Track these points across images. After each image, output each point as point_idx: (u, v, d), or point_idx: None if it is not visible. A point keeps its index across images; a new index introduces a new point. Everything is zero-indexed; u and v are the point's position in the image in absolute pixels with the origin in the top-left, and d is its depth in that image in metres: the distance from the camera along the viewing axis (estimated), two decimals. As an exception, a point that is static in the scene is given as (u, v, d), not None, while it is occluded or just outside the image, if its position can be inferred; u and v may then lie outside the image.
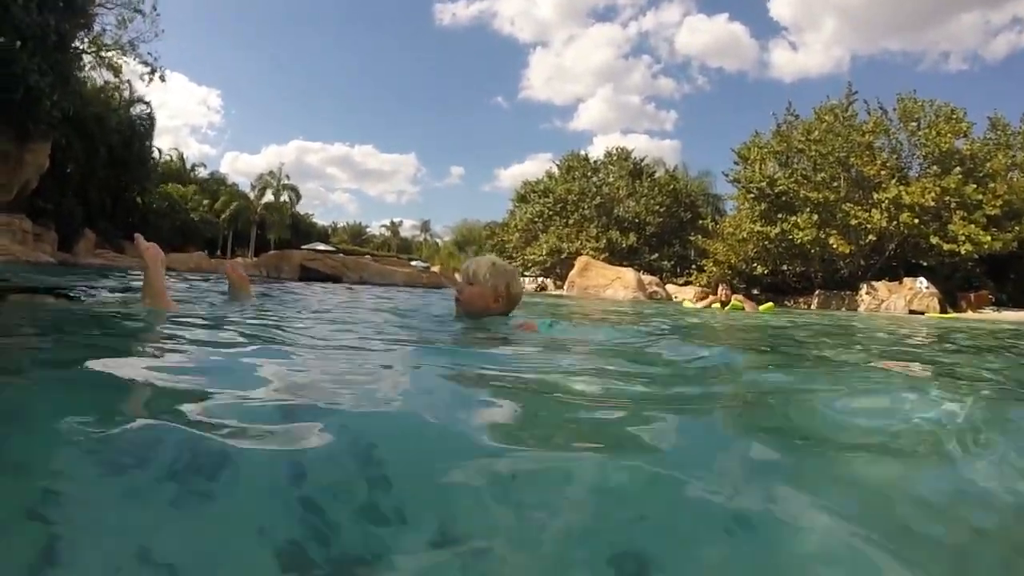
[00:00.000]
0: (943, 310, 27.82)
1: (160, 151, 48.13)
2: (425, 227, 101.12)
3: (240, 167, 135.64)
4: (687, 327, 8.00)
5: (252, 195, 68.93)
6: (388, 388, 2.09)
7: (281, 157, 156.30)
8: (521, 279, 4.85)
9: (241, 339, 3.10)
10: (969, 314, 26.93)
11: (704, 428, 1.76)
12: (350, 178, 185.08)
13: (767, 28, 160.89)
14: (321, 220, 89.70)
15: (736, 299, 16.69)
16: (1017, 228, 31.43)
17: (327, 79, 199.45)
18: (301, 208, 76.08)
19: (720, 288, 17.30)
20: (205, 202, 59.21)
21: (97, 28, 31.19)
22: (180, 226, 47.78)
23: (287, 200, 71.22)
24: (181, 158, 62.94)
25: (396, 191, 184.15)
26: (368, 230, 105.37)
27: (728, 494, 1.25)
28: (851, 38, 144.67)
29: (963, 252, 30.23)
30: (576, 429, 1.73)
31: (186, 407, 1.49)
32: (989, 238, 29.97)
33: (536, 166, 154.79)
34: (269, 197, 69.70)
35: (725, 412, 1.97)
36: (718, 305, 15.97)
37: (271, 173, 70.76)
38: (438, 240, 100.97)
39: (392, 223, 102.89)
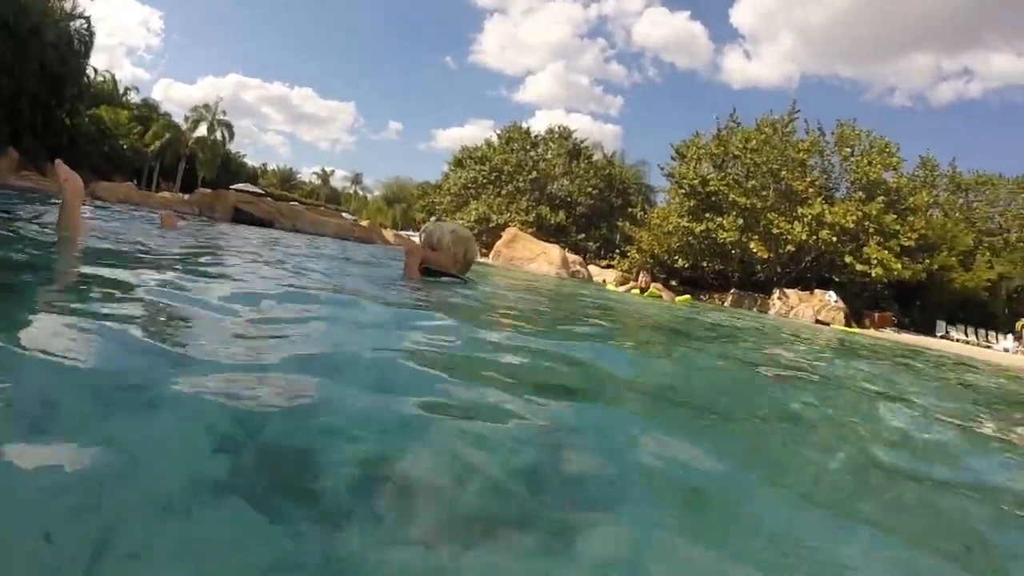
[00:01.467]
0: (847, 324, 28.90)
1: (95, 70, 45.95)
2: (356, 179, 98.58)
3: (173, 95, 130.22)
4: (608, 304, 9.39)
5: (185, 128, 65.93)
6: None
7: (217, 90, 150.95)
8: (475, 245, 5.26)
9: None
10: (871, 331, 28.16)
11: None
12: (285, 120, 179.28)
13: (725, 33, 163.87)
14: (251, 160, 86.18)
15: (655, 287, 17.78)
16: (928, 261, 33.14)
17: (276, 15, 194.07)
18: (232, 146, 73.25)
19: (641, 276, 18.19)
20: (136, 130, 56.53)
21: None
22: (108, 153, 45.38)
23: (220, 137, 68.42)
24: (114, 80, 59.80)
25: (331, 139, 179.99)
26: (298, 176, 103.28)
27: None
28: (805, 57, 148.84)
29: (874, 275, 31.58)
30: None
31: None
32: (900, 266, 31.33)
33: (475, 131, 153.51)
34: (202, 131, 66.25)
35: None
36: (638, 291, 16.78)
37: (207, 106, 67.41)
38: (368, 194, 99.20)
39: (323, 171, 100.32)
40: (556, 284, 15.29)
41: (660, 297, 16.96)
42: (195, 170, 63.83)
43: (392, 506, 1.25)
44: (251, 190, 48.35)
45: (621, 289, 19.04)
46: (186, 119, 66.06)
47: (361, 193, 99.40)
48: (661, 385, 2.94)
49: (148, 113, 62.80)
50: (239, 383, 1.73)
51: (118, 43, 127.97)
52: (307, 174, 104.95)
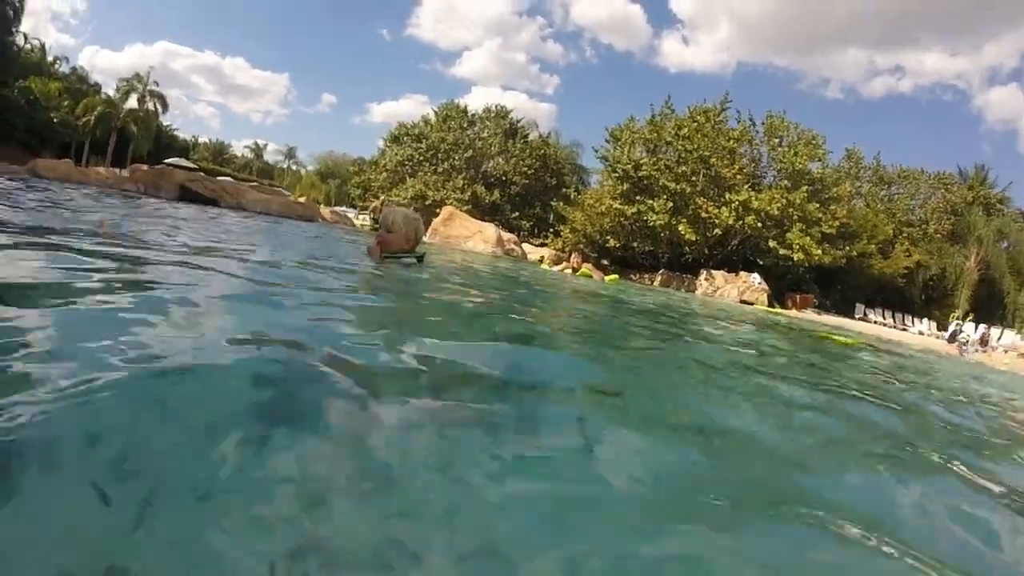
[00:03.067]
0: (770, 305, 29.95)
1: (25, 37, 44.11)
2: (290, 153, 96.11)
3: (100, 63, 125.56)
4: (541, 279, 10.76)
5: (115, 99, 63.25)
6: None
7: (146, 59, 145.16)
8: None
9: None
10: (793, 312, 29.10)
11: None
12: (216, 91, 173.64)
13: (664, 17, 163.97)
14: (182, 133, 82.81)
15: (586, 267, 18.74)
16: (849, 248, 34.35)
17: None
18: (164, 119, 70.60)
19: (573, 256, 19.13)
20: (67, 103, 54.35)
21: None
22: (37, 126, 43.63)
23: (153, 109, 65.96)
24: (43, 49, 57.55)
25: (263, 111, 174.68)
26: (231, 149, 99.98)
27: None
28: (741, 46, 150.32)
29: (796, 259, 32.64)
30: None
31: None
32: (820, 252, 32.50)
33: (410, 106, 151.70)
34: (133, 103, 63.90)
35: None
36: (571, 270, 17.92)
37: (138, 76, 64.10)
38: (301, 168, 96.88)
39: (256, 145, 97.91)
40: (494, 263, 15.90)
41: (590, 276, 17.63)
42: (126, 144, 61.64)
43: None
44: (184, 165, 47.20)
45: (556, 269, 19.65)
46: (117, 89, 63.21)
47: (295, 168, 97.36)
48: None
49: (78, 84, 60.52)
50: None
51: (43, 7, 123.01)
52: (239, 147, 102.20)
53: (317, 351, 2.42)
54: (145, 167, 26.07)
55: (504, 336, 3.51)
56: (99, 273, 3.19)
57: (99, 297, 2.74)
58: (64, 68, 61.24)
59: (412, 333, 2.97)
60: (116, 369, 1.76)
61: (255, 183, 48.08)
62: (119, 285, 2.98)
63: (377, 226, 25.66)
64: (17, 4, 32.90)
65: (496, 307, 5.40)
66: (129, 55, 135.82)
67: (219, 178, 29.85)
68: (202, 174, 30.63)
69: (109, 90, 64.29)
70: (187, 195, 20.85)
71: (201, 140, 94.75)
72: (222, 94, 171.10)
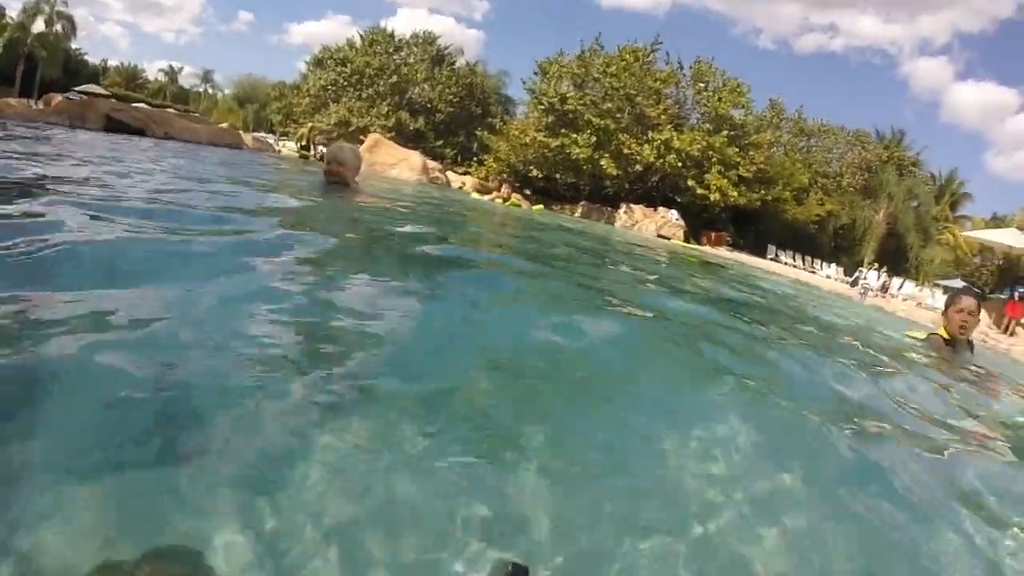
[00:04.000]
0: (686, 240, 30.54)
1: None
2: (206, 77, 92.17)
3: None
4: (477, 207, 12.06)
5: (20, 21, 59.12)
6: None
7: None
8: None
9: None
10: (707, 248, 29.70)
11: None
12: (126, 8, 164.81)
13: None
14: (90, 57, 77.90)
15: (516, 197, 20.36)
16: (764, 192, 35.28)
17: None
18: (72, 42, 66.61)
19: (503, 187, 19.84)
20: None
21: None
22: None
23: (62, 31, 62.41)
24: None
25: (176, 30, 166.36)
26: (143, 74, 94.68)
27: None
28: None
29: (712, 199, 33.48)
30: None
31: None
32: (736, 193, 33.54)
33: (332, 26, 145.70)
34: (40, 26, 60.33)
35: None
36: (501, 200, 18.93)
37: None
38: (219, 92, 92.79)
39: (171, 68, 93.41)
40: (425, 192, 16.22)
41: (519, 206, 18.31)
42: (33, 71, 58.24)
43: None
44: (96, 91, 44.93)
45: (487, 198, 20.44)
46: (24, 11, 59.63)
47: (211, 92, 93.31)
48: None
49: None
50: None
51: None
52: (152, 71, 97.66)
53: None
54: (59, 96, 24.96)
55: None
56: None
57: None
58: None
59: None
60: None
61: (169, 109, 46.38)
62: None
63: (306, 153, 24.87)
64: None
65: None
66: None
67: (140, 105, 28.90)
68: (139, 105, 29.59)
69: (13, 13, 60.20)
70: (113, 125, 20.06)
71: (111, 64, 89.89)
72: (131, 11, 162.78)
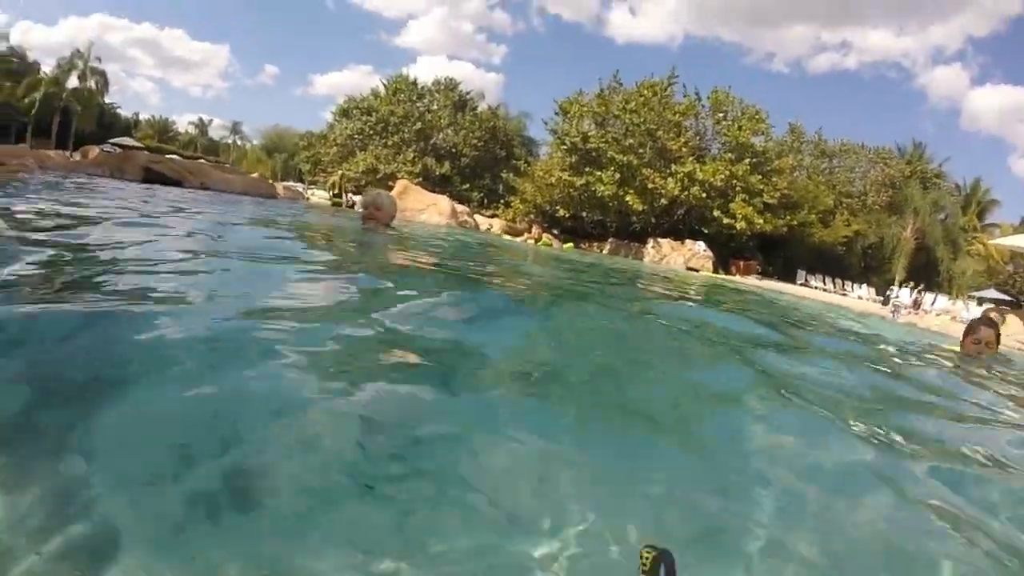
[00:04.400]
0: (715, 271, 30.95)
1: None
2: (235, 128, 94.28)
3: (34, 40, 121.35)
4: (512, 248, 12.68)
5: (56, 76, 61.14)
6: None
7: (82, 33, 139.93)
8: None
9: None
10: (737, 278, 30.02)
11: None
12: (155, 64, 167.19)
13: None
14: (123, 111, 79.81)
15: (546, 237, 20.87)
16: (789, 217, 35.57)
17: None
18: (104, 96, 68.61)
19: (534, 228, 20.17)
20: (7, 84, 52.45)
21: None
22: None
23: (95, 87, 64.26)
24: (-24, 28, 55.85)
25: (203, 84, 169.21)
26: (174, 126, 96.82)
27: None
28: (688, 18, 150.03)
29: (738, 228, 33.72)
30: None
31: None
32: (762, 221, 33.76)
33: (354, 77, 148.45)
34: (74, 81, 62.16)
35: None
36: (532, 241, 18.88)
37: (78, 53, 62.42)
38: (247, 143, 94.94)
39: (201, 120, 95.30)
40: (457, 234, 16.51)
41: (550, 245, 18.76)
42: (68, 124, 59.90)
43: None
44: (130, 143, 46.38)
45: (519, 239, 20.67)
46: (59, 67, 61.61)
47: (240, 143, 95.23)
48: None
49: (17, 64, 58.60)
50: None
51: None
52: (183, 123, 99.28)
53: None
54: (96, 149, 25.87)
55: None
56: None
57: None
58: (2, 47, 58.54)
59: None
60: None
61: (200, 159, 47.47)
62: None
63: (338, 200, 25.65)
64: None
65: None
66: (64, 29, 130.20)
67: (174, 157, 29.78)
68: (174, 157, 30.46)
69: (47, 68, 61.88)
70: (151, 177, 20.74)
71: (143, 117, 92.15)
72: (161, 68, 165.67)
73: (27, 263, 2.50)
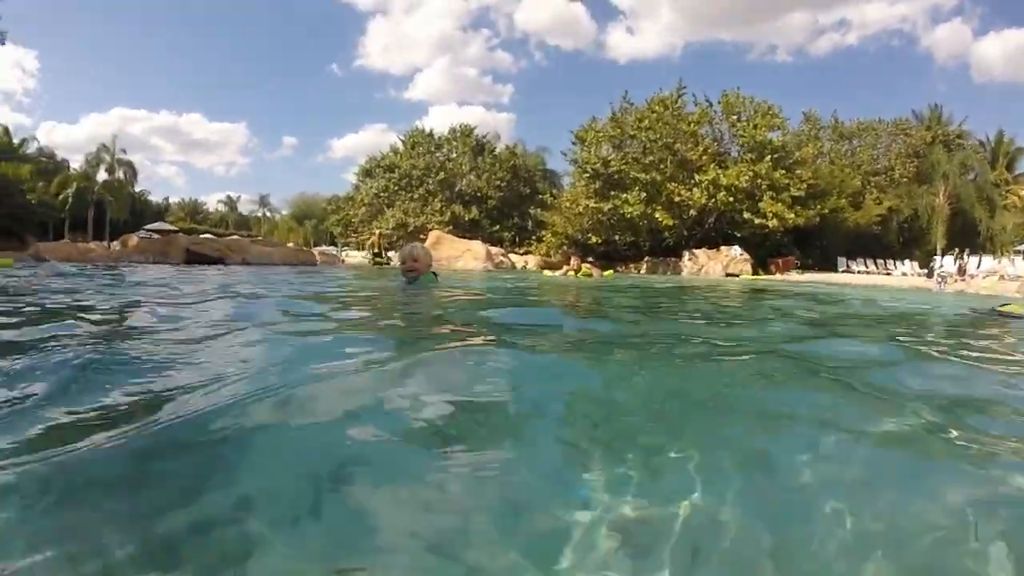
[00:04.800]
0: (755, 273, 31.22)
1: None
2: (263, 201, 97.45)
3: (58, 139, 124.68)
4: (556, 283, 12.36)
5: (88, 171, 63.43)
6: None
7: (102, 127, 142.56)
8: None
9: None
10: (777, 276, 30.22)
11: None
12: (177, 150, 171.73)
13: (606, 11, 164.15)
14: (153, 196, 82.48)
15: (585, 267, 20.16)
16: (819, 206, 35.80)
17: (152, 42, 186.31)
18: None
19: (572, 259, 20.35)
20: (40, 183, 54.37)
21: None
22: (17, 210, 43.26)
23: (124, 177, 66.57)
24: (7, 132, 58.06)
25: (226, 163, 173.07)
26: (204, 207, 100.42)
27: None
28: (684, 27, 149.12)
29: (771, 226, 34.08)
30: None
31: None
32: (793, 215, 34.10)
33: (371, 136, 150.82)
34: (103, 174, 64.62)
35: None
36: (572, 273, 19.05)
37: (104, 147, 65.12)
38: (276, 214, 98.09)
39: (229, 198, 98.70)
40: (496, 277, 16.74)
41: (591, 275, 18.89)
42: (102, 215, 61.95)
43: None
44: (165, 228, 47.82)
45: (558, 274, 20.75)
46: (87, 162, 63.89)
47: (269, 215, 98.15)
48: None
49: (47, 163, 60.70)
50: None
51: None
52: (211, 203, 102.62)
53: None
54: (134, 237, 26.71)
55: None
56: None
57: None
58: (31, 149, 60.97)
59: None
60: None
61: (240, 236, 48.55)
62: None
63: (380, 260, 26.00)
64: None
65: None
66: (86, 126, 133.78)
67: (208, 236, 30.65)
68: (209, 236, 31.40)
69: (75, 164, 64.13)
70: (193, 258, 21.46)
71: (173, 200, 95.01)
72: (183, 152, 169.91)
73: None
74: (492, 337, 3.50)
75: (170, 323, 3.69)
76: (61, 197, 55.36)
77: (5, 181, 43.46)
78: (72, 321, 3.60)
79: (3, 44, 30.99)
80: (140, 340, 3.02)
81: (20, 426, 1.60)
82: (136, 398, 1.91)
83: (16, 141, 57.88)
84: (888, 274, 33.66)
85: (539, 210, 41.90)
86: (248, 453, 1.51)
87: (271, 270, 15.94)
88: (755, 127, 36.85)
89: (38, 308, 4.60)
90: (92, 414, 1.74)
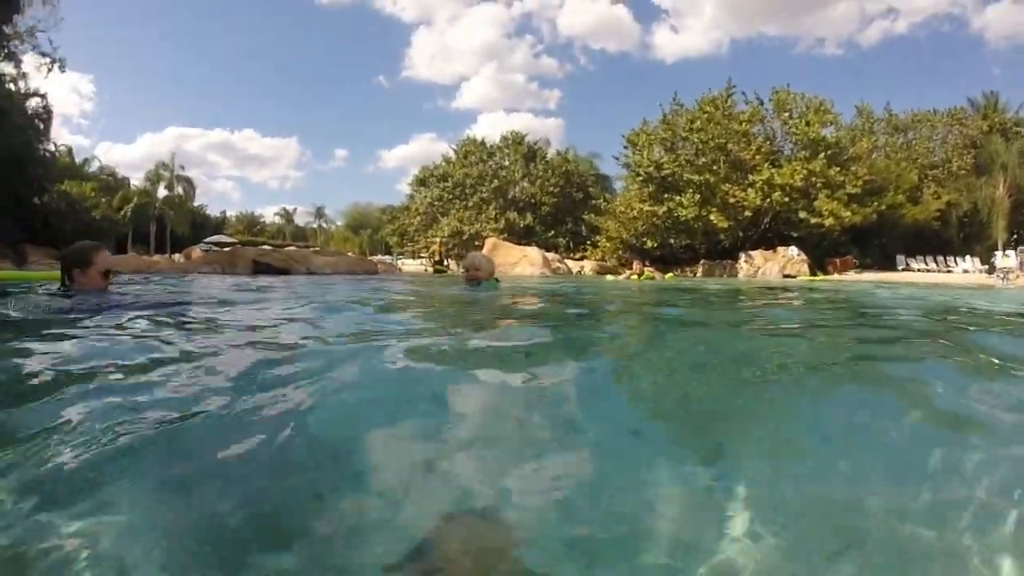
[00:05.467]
0: (812, 274, 31.06)
1: (56, 146, 45.84)
2: (319, 213, 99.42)
3: (115, 158, 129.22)
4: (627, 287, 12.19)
5: (145, 187, 65.64)
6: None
7: (158, 146, 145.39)
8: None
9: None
10: (835, 277, 30.10)
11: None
12: (232, 165, 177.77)
13: (649, 11, 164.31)
14: (211, 211, 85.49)
15: (648, 271, 20.81)
16: (876, 203, 35.36)
17: (203, 61, 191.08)
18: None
19: (635, 263, 20.86)
20: (104, 199, 56.31)
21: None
22: (82, 226, 44.94)
23: (183, 193, 68.85)
24: (71, 152, 60.02)
25: (280, 177, 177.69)
26: (261, 219, 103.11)
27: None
28: (729, 22, 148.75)
29: (827, 225, 33.83)
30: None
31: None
32: (849, 213, 33.78)
33: (421, 146, 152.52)
34: (163, 190, 66.53)
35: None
36: (635, 277, 19.34)
37: (163, 164, 67.55)
38: (331, 225, 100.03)
39: (286, 210, 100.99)
40: (559, 282, 17.01)
41: (653, 278, 19.41)
42: (162, 229, 64.11)
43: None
44: (225, 240, 49.43)
45: (621, 278, 21.24)
46: (148, 179, 66.21)
47: (325, 226, 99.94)
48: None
49: (109, 181, 62.79)
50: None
51: (54, 113, 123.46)
52: (268, 215, 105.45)
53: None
54: (197, 250, 27.74)
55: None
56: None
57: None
58: (93, 167, 62.97)
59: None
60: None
61: (290, 246, 49.41)
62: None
63: (441, 268, 26.40)
64: (45, 117, 34.34)
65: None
66: (142, 145, 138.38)
67: (265, 247, 31.47)
68: (239, 245, 32.20)
69: (134, 181, 67.23)
70: (260, 268, 21.95)
71: (230, 213, 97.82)
72: (238, 167, 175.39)
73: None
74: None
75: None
76: (122, 212, 57.26)
77: (71, 198, 45.04)
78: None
79: (63, 71, 31.82)
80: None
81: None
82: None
83: (79, 161, 59.81)
84: (949, 271, 33.34)
85: (593, 215, 42.09)
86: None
87: (346, 279, 16.33)
88: (807, 124, 36.51)
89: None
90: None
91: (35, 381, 2.16)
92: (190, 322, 3.96)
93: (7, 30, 27.38)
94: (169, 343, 2.87)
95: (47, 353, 2.58)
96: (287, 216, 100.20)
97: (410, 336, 3.42)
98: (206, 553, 1.15)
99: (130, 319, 3.60)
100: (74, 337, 2.99)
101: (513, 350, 3.01)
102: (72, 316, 3.76)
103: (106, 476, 1.34)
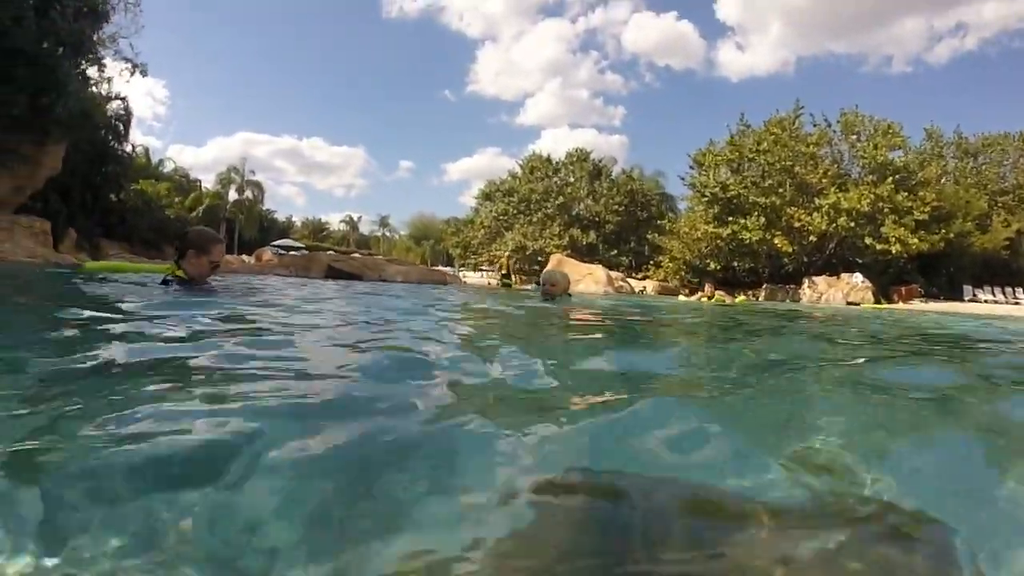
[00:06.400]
0: (876, 302, 30.88)
1: (133, 147, 47.73)
2: (384, 222, 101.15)
3: (186, 161, 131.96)
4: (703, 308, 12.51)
5: (216, 190, 67.70)
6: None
7: (227, 150, 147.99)
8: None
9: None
10: (900, 305, 29.97)
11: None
12: (298, 171, 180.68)
13: (714, 28, 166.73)
14: (278, 215, 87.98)
15: (719, 294, 22.02)
16: (944, 230, 34.92)
17: (274, 70, 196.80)
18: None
19: (707, 286, 21.48)
20: (177, 199, 58.32)
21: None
22: (157, 224, 46.81)
23: (253, 196, 70.99)
24: (147, 153, 62.24)
25: (345, 185, 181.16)
26: (328, 226, 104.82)
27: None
28: (795, 40, 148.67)
29: (894, 252, 33.67)
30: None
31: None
32: (917, 240, 33.44)
33: (485, 159, 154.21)
34: (233, 193, 69.11)
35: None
36: (706, 299, 20.26)
37: (234, 168, 69.95)
38: (395, 234, 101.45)
39: (351, 218, 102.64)
40: (628, 300, 17.26)
41: (724, 301, 20.06)
42: (231, 231, 65.97)
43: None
44: (291, 244, 50.93)
45: (693, 298, 21.99)
46: (219, 182, 68.57)
47: (388, 235, 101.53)
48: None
49: (181, 182, 64.84)
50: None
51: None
52: (334, 222, 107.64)
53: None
54: (267, 252, 28.88)
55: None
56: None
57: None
58: (168, 168, 65.07)
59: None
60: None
61: (354, 253, 50.49)
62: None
63: (508, 281, 27.62)
64: (124, 119, 36.16)
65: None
66: (212, 149, 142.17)
67: (334, 253, 32.48)
68: (306, 250, 33.08)
69: (206, 183, 69.40)
70: (333, 274, 22.68)
71: (295, 219, 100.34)
72: (304, 173, 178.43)
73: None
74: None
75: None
76: (194, 213, 59.21)
77: (147, 197, 47.00)
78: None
79: (144, 76, 32.94)
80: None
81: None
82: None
83: (154, 162, 61.96)
84: (1017, 303, 32.85)
85: (656, 235, 42.42)
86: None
87: (419, 288, 16.77)
88: (875, 147, 36.34)
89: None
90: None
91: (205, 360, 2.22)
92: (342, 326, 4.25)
93: (94, 37, 28.62)
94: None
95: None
96: (352, 223, 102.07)
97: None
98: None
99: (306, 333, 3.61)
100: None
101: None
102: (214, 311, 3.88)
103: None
